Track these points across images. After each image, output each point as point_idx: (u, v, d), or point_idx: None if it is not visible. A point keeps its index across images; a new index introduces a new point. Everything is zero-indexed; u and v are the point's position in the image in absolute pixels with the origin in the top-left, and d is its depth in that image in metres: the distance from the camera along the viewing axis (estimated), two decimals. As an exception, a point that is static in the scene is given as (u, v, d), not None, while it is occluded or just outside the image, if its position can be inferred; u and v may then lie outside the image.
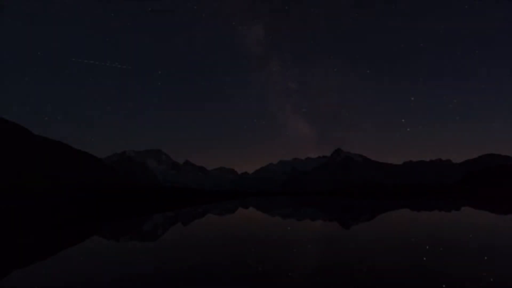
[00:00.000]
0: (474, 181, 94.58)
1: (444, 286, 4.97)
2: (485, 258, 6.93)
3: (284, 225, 16.16)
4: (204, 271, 6.24)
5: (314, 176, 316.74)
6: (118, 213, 29.18)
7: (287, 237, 11.23)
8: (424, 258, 6.88)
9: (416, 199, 53.19)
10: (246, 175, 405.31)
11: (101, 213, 29.25)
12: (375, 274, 5.68)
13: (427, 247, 8.35)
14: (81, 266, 6.99)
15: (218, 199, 70.76)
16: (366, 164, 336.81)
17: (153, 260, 7.51)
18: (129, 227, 16.91)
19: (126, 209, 35.31)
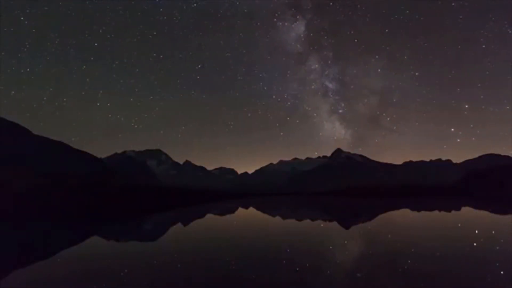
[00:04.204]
0: (474, 181, 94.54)
1: (444, 286, 4.97)
2: (485, 258, 6.92)
3: (284, 225, 16.16)
4: (204, 272, 6.23)
5: (314, 176, 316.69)
6: (118, 213, 29.17)
7: (287, 238, 11.22)
8: (425, 259, 6.86)
9: (416, 199, 53.16)
10: (246, 175, 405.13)
11: (101, 213, 29.25)
12: (375, 276, 5.68)
13: (428, 247, 8.34)
14: (81, 266, 6.99)
15: (218, 199, 70.74)
16: (366, 164, 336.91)
17: (153, 260, 7.51)
18: (129, 227, 16.90)
19: (126, 209, 35.31)
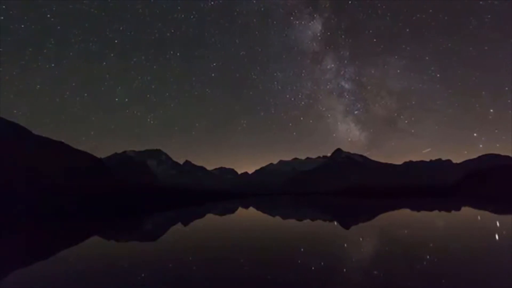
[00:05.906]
0: (474, 181, 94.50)
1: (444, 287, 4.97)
2: (486, 258, 6.91)
3: (284, 225, 16.15)
4: (204, 272, 6.23)
5: (314, 176, 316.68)
6: (118, 213, 29.17)
7: (287, 238, 11.22)
8: (425, 259, 6.86)
9: (416, 199, 53.15)
10: (246, 175, 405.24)
11: (101, 213, 29.25)
12: (375, 276, 5.67)
13: (428, 248, 8.33)
14: (81, 266, 6.99)
15: (218, 199, 70.75)
16: (366, 164, 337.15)
17: (153, 260, 7.50)
18: (129, 227, 16.90)
19: (126, 209, 35.31)
